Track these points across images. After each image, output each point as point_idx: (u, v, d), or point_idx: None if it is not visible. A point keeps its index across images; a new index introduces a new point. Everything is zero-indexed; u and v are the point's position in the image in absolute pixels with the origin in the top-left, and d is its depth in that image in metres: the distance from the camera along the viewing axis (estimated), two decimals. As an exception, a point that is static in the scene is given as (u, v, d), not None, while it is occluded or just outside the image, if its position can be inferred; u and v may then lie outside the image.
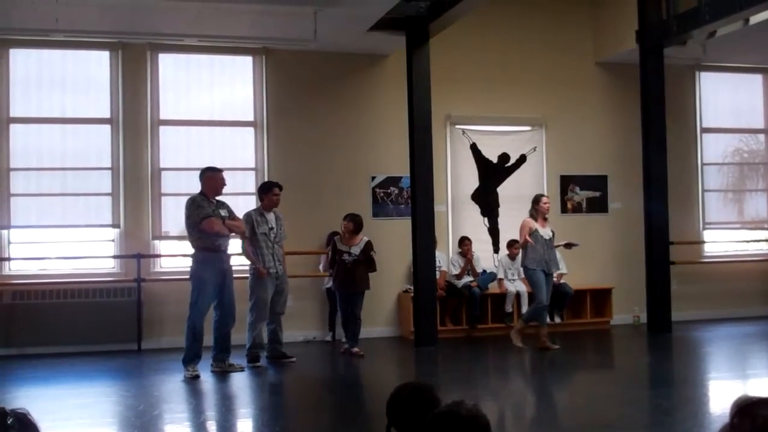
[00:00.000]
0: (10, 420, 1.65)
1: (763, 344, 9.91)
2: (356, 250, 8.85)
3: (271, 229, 8.44)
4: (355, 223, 8.87)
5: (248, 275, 8.42)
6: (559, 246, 9.32)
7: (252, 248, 8.31)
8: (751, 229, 12.28)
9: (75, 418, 6.02)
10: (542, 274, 8.87)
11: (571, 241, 9.52)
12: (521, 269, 9.53)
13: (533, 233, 8.89)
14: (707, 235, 11.92)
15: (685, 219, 11.52)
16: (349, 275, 8.81)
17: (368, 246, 8.88)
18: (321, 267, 10.08)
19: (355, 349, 8.86)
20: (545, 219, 9.09)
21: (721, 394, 7.02)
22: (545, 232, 9.02)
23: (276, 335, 8.57)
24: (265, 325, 8.49)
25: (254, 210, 8.50)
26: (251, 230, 8.29)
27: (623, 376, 8.07)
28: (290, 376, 8.14)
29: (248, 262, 8.40)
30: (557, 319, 10.61)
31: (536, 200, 9.08)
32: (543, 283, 8.89)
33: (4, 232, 9.51)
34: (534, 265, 8.88)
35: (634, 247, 10.76)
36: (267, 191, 8.56)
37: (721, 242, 12.10)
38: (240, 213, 8.38)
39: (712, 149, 11.99)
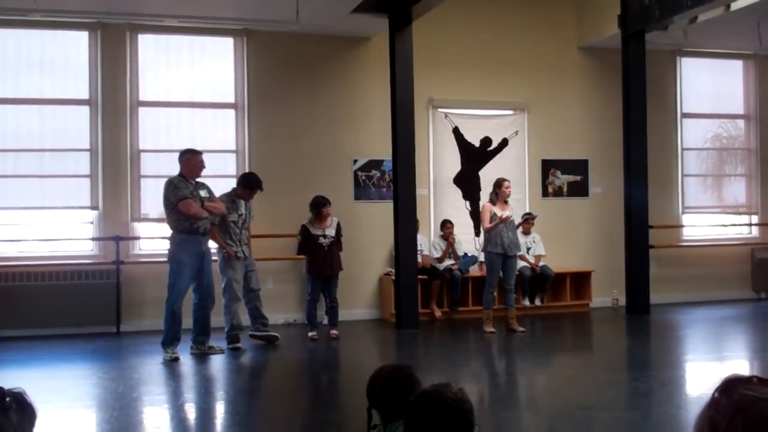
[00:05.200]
0: (8, 399, 1.60)
1: (739, 327, 9.98)
2: (331, 231, 8.87)
3: (240, 215, 8.41)
4: (329, 205, 8.87)
5: (218, 258, 8.37)
6: (519, 226, 9.36)
7: (221, 233, 8.27)
8: (729, 213, 12.34)
9: (53, 401, 5.95)
10: (500, 257, 8.88)
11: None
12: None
13: (493, 217, 8.89)
14: (686, 219, 11.98)
15: (664, 203, 11.57)
16: (328, 258, 8.82)
17: (339, 226, 8.95)
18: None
19: (334, 332, 8.85)
20: (506, 203, 9.08)
21: (699, 376, 7.08)
22: (505, 214, 8.99)
23: (258, 311, 8.53)
24: (244, 305, 8.45)
25: (225, 196, 8.40)
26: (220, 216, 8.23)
27: (602, 359, 8.11)
28: (270, 358, 8.11)
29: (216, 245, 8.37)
30: (538, 302, 10.64)
31: (498, 184, 9.05)
32: (498, 268, 8.92)
33: (-19, 213, 9.39)
34: (495, 249, 8.88)
35: (614, 231, 10.80)
36: (250, 188, 8.49)
37: (700, 226, 12.16)
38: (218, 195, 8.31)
39: (692, 134, 12.04)
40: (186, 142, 9.11)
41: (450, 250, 10.53)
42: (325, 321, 9.11)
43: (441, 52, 10.74)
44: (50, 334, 9.06)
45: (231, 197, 8.42)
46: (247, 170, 9.70)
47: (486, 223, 8.95)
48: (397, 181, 9.51)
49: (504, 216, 8.86)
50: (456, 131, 10.95)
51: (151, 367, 7.46)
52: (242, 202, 8.48)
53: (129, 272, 9.63)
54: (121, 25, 9.66)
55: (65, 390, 6.49)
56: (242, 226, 8.44)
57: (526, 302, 10.55)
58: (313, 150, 10.31)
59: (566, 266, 10.99)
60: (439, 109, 10.91)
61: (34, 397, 1.70)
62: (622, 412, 5.68)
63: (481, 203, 10.53)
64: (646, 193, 10.34)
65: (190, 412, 5.93)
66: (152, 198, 9.58)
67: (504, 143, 11.14)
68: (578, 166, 11.44)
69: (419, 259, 9.94)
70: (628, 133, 10.31)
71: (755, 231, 12.35)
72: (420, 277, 9.79)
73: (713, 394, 1.44)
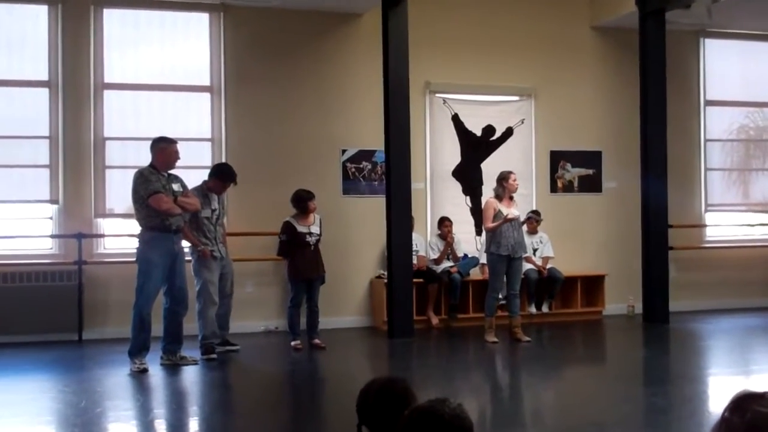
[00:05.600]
0: None
1: (767, 337, 10.02)
2: (316, 229, 8.90)
3: (214, 210, 8.43)
4: (314, 199, 8.91)
5: (191, 258, 8.38)
6: (523, 224, 9.37)
7: (194, 231, 8.26)
8: (757, 212, 12.39)
9: (7, 416, 5.95)
10: (506, 260, 8.90)
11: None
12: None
13: (497, 215, 8.90)
14: (709, 218, 12.03)
15: (685, 200, 11.62)
16: (314, 258, 8.85)
17: (322, 224, 8.98)
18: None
19: (317, 341, 8.87)
20: (511, 199, 9.10)
21: (722, 391, 7.10)
22: (510, 212, 9.01)
23: (224, 319, 8.55)
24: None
25: (196, 189, 8.40)
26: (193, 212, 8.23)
27: (616, 372, 8.13)
28: (249, 370, 8.11)
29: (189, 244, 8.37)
30: (545, 309, 10.67)
31: (504, 177, 9.04)
32: (502, 271, 8.94)
33: (-72, 207, 9.37)
34: (498, 250, 8.89)
35: (629, 231, 10.84)
36: (225, 180, 8.53)
37: (725, 226, 12.22)
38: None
39: (717, 124, 12.08)
40: (156, 128, 9.08)
41: (448, 250, 10.54)
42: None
43: (439, 30, 10.75)
44: (5, 342, 9.02)
45: (202, 191, 8.43)
46: (223, 160, 9.71)
47: (489, 222, 8.97)
48: (390, 173, 9.52)
49: (509, 216, 8.87)
50: (455, 119, 10.97)
51: (116, 380, 7.45)
52: (215, 196, 8.49)
53: (92, 273, 9.62)
54: (85, -2, 9.67)
55: (21, 404, 6.48)
56: (216, 223, 8.45)
57: (533, 309, 10.59)
58: (296, 139, 10.31)
59: (577, 269, 11.03)
60: (437, 95, 10.92)
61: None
62: (639, 429, 5.70)
63: (483, 199, 10.57)
64: (666, 189, 10.37)
65: (160, 429, 5.94)
66: (118, 191, 9.57)
67: (508, 132, 11.16)
68: (590, 159, 11.48)
69: (414, 261, 9.95)
70: (646, 123, 10.34)
71: (785, 231, 12.41)
72: (415, 280, 9.80)
73: (723, 413, 1.45)
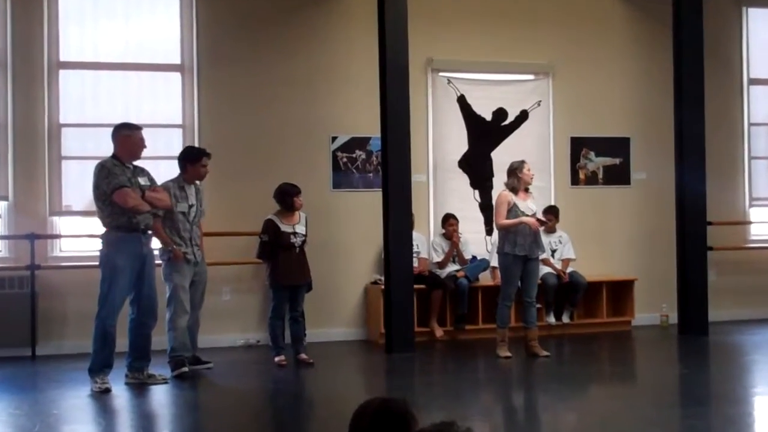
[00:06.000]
0: None
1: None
2: (301, 228, 8.92)
3: (192, 206, 8.44)
4: (300, 194, 8.94)
5: (161, 261, 8.38)
6: (543, 225, 9.36)
7: (166, 229, 8.28)
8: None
9: (-50, 443, 5.97)
10: (521, 261, 8.91)
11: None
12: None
13: (512, 209, 8.91)
14: (754, 213, 12.04)
15: (726, 194, 11.64)
16: (300, 261, 8.86)
17: (307, 222, 9.02)
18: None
19: (304, 356, 8.89)
20: (527, 191, 9.12)
21: (769, 412, 7.13)
22: (527, 206, 9.03)
23: (191, 334, 8.57)
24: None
25: (172, 181, 8.42)
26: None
27: (648, 391, 8.14)
28: (226, 390, 8.11)
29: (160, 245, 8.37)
30: (566, 319, 10.70)
31: (516, 168, 9.04)
32: (516, 275, 8.96)
33: None
34: (513, 250, 8.90)
35: (662, 229, 10.86)
36: (194, 161, 8.53)
37: (772, 223, 12.24)
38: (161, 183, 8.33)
39: (762, 106, 12.09)
40: (119, 113, 9.11)
41: (454, 252, 10.58)
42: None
43: (443, 0, 10.78)
44: (-54, 358, 9.06)
45: (178, 183, 8.43)
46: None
47: (501, 218, 8.97)
48: (387, 164, 9.54)
49: (528, 218, 8.86)
50: (462, 101, 10.99)
51: (75, 401, 7.45)
52: (193, 190, 8.49)
53: (47, 279, 9.63)
54: (36, -36, 9.68)
55: (-34, 430, 6.50)
56: (193, 221, 8.46)
57: (552, 319, 10.62)
58: (279, 125, 10.33)
59: (602, 273, 11.06)
60: (441, 74, 10.94)
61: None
62: (672, 457, 5.73)
63: (493, 193, 10.58)
64: (704, 181, 10.38)
65: (126, 457, 5.96)
66: (77, 185, 9.60)
67: (523, 116, 11.18)
68: (617, 146, 11.50)
69: (415, 264, 9.97)
70: (681, 105, 10.35)
71: (841, 229, 12.43)
72: (416, 286, 9.83)
73: None
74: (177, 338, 8.32)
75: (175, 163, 8.83)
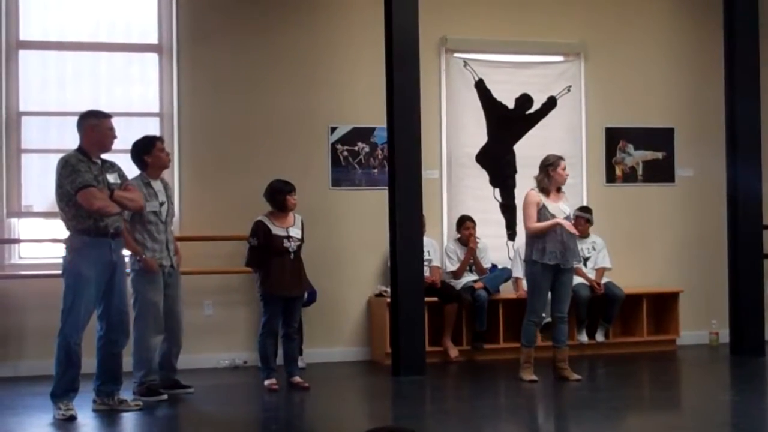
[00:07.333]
0: None
1: None
2: (296, 232, 8.88)
3: (162, 204, 8.42)
4: (295, 193, 8.93)
5: (130, 271, 8.36)
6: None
7: (135, 233, 8.25)
8: None
9: None
10: (551, 271, 8.85)
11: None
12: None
13: (540, 212, 8.84)
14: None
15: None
16: (294, 270, 8.83)
17: (303, 225, 8.98)
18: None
19: (298, 379, 8.88)
20: (559, 191, 9.06)
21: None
22: (557, 208, 8.96)
23: (168, 358, 8.54)
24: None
25: (136, 179, 8.39)
26: None
27: (695, 420, 8.13)
28: (209, 417, 8.11)
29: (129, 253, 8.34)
30: (600, 337, 10.68)
31: (551, 164, 8.93)
32: (546, 287, 8.93)
33: None
34: (543, 258, 8.84)
35: (711, 234, 10.86)
36: (148, 150, 8.47)
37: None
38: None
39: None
40: (87, 100, 9.12)
41: (471, 260, 10.56)
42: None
43: (460, -29, 10.81)
44: None
45: (143, 180, 8.41)
46: (175, 139, 9.76)
47: (531, 221, 8.91)
48: (394, 158, 9.53)
49: (564, 221, 8.81)
50: (480, 86, 10.99)
51: (35, 430, 7.45)
52: (161, 185, 8.49)
53: (4, 290, 9.66)
54: (-8, -71, 9.71)
55: None
56: (166, 220, 8.44)
57: (584, 338, 10.61)
58: (271, 113, 10.34)
59: (642, 284, 11.05)
60: (456, 54, 10.95)
61: None
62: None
63: (516, 191, 10.57)
64: (760, 178, 10.39)
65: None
66: (38, 183, 9.64)
67: (551, 104, 11.18)
68: (660, 138, 11.51)
69: (427, 274, 9.97)
70: (733, 92, 10.34)
71: None
72: (428, 299, 9.82)
73: None
74: (149, 360, 8.30)
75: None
